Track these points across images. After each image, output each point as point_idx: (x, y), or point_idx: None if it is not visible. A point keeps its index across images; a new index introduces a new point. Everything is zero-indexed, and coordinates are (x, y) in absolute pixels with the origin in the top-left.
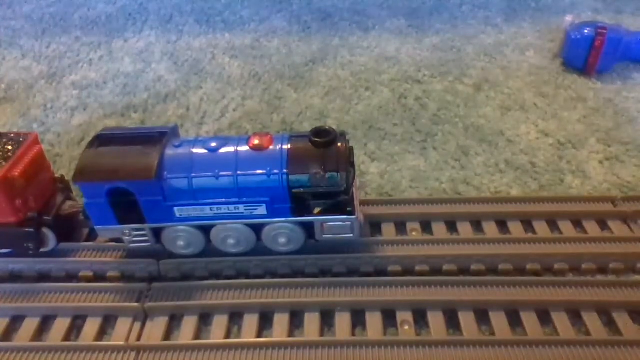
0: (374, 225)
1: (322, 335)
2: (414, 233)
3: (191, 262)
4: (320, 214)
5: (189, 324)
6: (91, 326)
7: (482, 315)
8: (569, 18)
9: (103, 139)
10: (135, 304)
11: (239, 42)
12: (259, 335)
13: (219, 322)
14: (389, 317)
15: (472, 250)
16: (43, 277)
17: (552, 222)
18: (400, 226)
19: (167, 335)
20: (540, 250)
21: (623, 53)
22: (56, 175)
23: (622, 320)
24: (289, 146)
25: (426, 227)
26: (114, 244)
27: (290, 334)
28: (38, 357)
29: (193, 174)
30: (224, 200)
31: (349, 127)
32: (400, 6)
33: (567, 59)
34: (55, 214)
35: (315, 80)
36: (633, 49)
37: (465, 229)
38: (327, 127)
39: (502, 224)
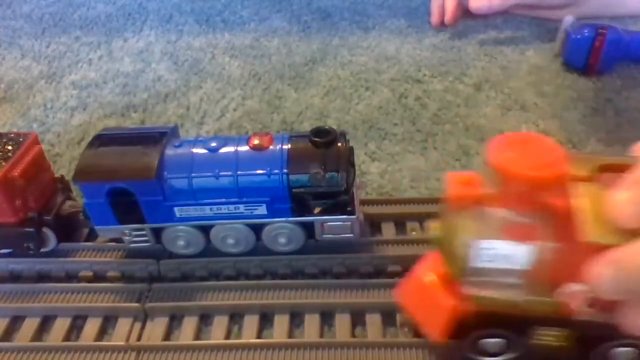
0: (374, 225)
1: (322, 336)
2: (413, 233)
3: (191, 262)
4: (320, 213)
5: (189, 324)
6: (91, 326)
7: None
8: (569, 18)
9: (103, 139)
10: (136, 304)
11: (239, 41)
12: (259, 336)
13: (219, 323)
14: (389, 318)
15: None
16: (43, 277)
17: None
18: (400, 226)
19: (168, 336)
20: None
21: (623, 53)
22: (56, 175)
23: None
24: (289, 146)
25: (426, 226)
26: (114, 244)
27: (291, 334)
28: (38, 357)
29: (193, 174)
30: (224, 200)
31: (349, 126)
32: (400, 6)
33: (567, 59)
34: (56, 214)
35: (315, 80)
36: (633, 49)
37: None
38: (327, 127)
39: None
